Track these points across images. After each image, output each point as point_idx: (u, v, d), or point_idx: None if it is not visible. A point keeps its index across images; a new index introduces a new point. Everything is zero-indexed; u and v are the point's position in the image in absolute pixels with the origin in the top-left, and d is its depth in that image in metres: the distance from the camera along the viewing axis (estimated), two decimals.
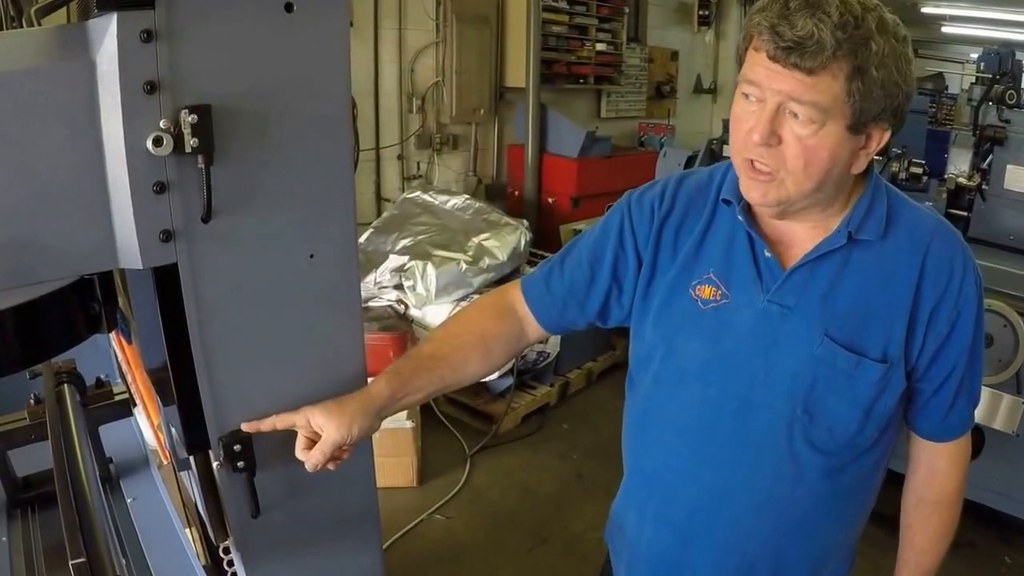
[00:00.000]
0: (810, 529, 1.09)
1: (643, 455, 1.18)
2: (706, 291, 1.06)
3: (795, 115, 0.91)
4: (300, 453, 1.03)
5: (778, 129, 0.92)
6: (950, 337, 1.01)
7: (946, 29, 9.58)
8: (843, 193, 1.01)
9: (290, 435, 1.06)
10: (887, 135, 0.96)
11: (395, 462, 3.03)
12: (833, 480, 1.05)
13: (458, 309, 1.22)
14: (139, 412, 1.48)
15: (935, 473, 1.12)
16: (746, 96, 0.95)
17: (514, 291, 1.23)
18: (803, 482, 1.04)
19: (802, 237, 1.04)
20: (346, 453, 1.05)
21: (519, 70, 5.26)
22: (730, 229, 1.07)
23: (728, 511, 1.08)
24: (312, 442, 1.02)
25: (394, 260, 3.77)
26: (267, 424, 1.01)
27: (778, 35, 0.88)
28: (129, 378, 1.43)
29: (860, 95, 0.89)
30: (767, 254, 1.03)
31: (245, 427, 1.01)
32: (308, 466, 1.02)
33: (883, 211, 1.02)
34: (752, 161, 0.96)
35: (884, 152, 3.16)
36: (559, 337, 3.77)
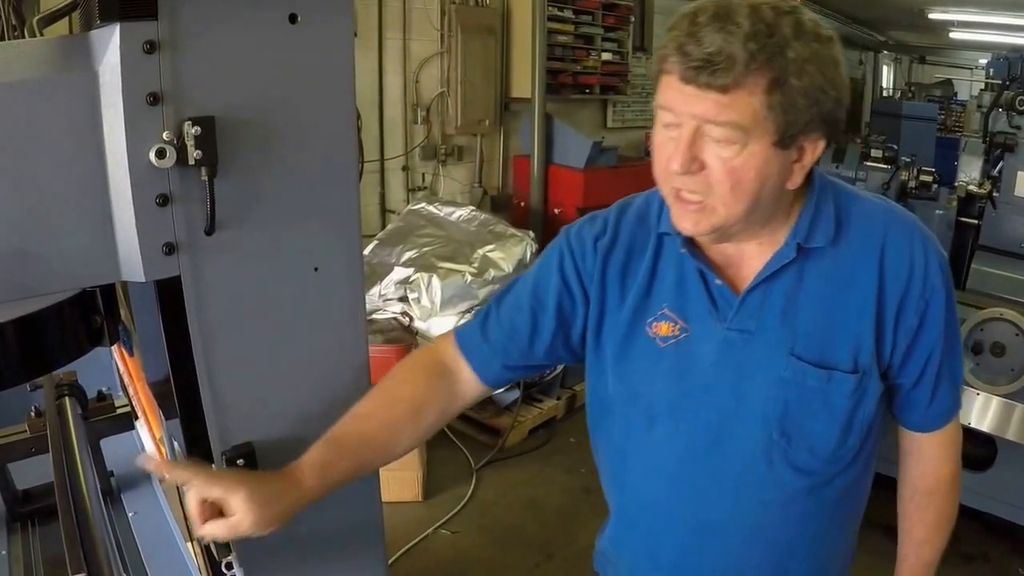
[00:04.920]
0: (806, 548, 1.06)
1: (625, 500, 1.14)
2: (663, 328, 1.02)
3: (715, 137, 0.86)
4: (194, 516, 0.90)
5: (699, 154, 0.87)
6: (921, 329, 0.97)
7: (954, 35, 9.58)
8: (784, 206, 0.96)
9: (296, 450, 1.05)
10: (821, 144, 0.91)
11: (400, 476, 3.01)
12: (820, 496, 1.02)
13: (390, 374, 1.11)
14: (141, 425, 1.47)
15: (926, 463, 1.09)
16: (663, 120, 0.90)
17: (446, 346, 1.13)
18: (790, 504, 1.02)
19: (751, 256, 0.99)
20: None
21: (524, 80, 5.27)
22: (678, 260, 1.02)
23: (719, 546, 1.05)
24: (213, 507, 0.90)
25: (399, 272, 3.76)
26: (180, 476, 0.92)
27: (686, 55, 0.82)
28: (131, 391, 1.43)
29: (782, 108, 0.84)
30: (717, 282, 0.99)
31: (145, 464, 0.95)
32: (196, 534, 0.92)
33: (831, 214, 0.97)
34: (679, 190, 0.91)
35: (893, 161, 3.14)
36: None
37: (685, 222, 0.93)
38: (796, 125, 0.86)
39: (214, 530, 0.90)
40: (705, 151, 0.87)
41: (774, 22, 0.82)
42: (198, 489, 0.89)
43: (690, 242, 0.99)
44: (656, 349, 1.02)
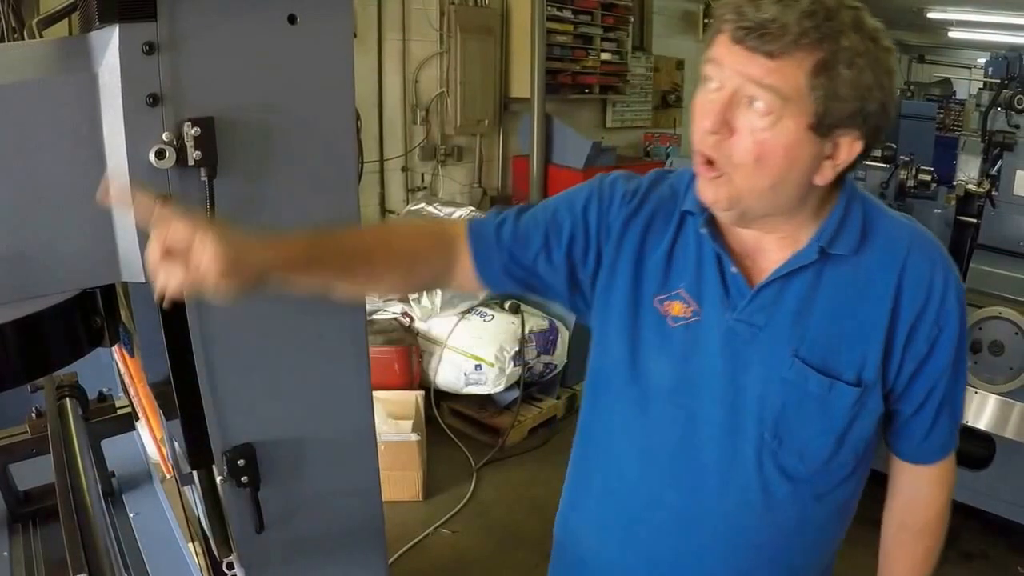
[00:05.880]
0: (779, 559, 1.05)
1: (608, 475, 1.11)
2: (676, 307, 1.01)
3: (752, 102, 0.85)
4: (154, 263, 0.79)
5: (732, 119, 0.87)
6: (930, 356, 0.97)
7: (953, 34, 9.57)
8: (810, 203, 0.95)
9: (297, 450, 1.05)
10: (858, 146, 0.89)
11: (401, 476, 3.01)
12: (802, 509, 1.01)
13: (398, 218, 1.03)
14: (142, 426, 1.47)
15: (917, 498, 1.08)
16: (708, 81, 0.90)
17: (459, 229, 1.09)
18: (771, 510, 1.00)
19: (770, 249, 0.98)
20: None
21: (524, 80, 5.27)
22: (697, 242, 1.01)
23: (695, 538, 1.04)
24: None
25: None
26: (141, 209, 0.79)
27: (741, 15, 0.84)
28: (132, 392, 1.43)
29: (825, 92, 0.84)
30: (732, 269, 0.98)
31: (104, 195, 0.82)
32: (156, 288, 0.80)
33: (858, 223, 0.96)
34: (706, 156, 0.90)
35: (892, 160, 3.14)
36: (566, 348, 3.75)
37: (707, 191, 0.92)
38: (836, 115, 0.85)
39: (174, 276, 0.78)
40: (738, 119, 0.87)
41: (835, 8, 0.83)
42: (163, 227, 0.78)
43: (711, 224, 0.98)
44: (666, 328, 1.01)
